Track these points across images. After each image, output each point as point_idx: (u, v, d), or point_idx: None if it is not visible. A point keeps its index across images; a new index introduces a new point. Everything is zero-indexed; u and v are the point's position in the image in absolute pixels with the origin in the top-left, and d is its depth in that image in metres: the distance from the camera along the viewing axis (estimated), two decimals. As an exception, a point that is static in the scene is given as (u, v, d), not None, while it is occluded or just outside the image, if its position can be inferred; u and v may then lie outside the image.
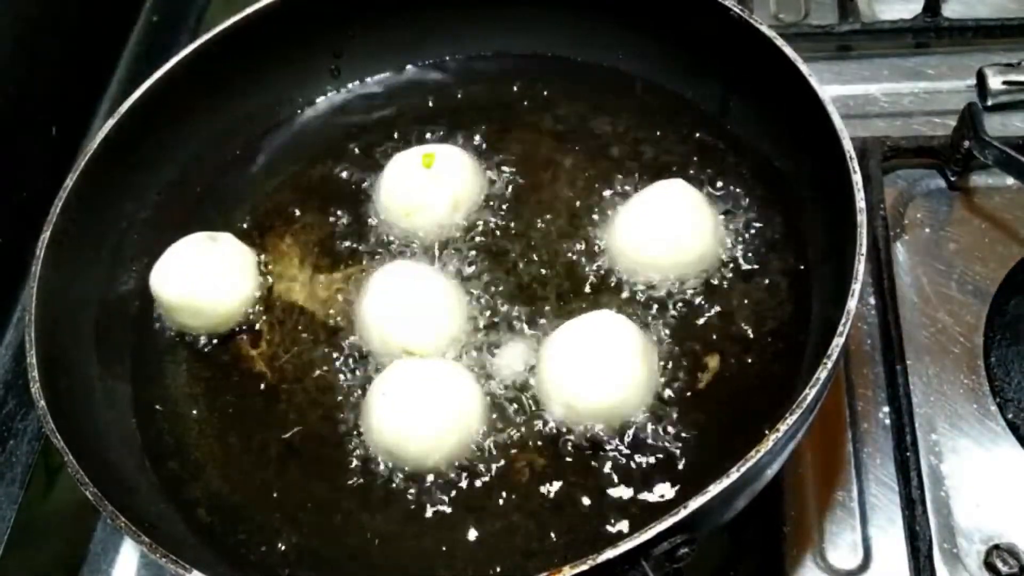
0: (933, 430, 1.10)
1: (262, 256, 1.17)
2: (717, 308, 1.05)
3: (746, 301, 1.05)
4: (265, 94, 1.29)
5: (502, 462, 0.98)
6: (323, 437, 1.03)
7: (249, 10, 1.23)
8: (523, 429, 0.99)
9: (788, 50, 1.06)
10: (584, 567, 0.78)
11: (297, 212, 1.22)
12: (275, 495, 1.01)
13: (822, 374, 0.85)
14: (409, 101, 1.30)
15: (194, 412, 1.08)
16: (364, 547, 0.96)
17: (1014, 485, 1.06)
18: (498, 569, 0.93)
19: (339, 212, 1.20)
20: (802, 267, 1.06)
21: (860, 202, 0.94)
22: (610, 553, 0.78)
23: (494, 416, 1.00)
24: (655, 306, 1.05)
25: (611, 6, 1.23)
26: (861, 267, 0.90)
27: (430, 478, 0.97)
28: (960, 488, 1.06)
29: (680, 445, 0.97)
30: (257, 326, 1.12)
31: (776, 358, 1.01)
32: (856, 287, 0.89)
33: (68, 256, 1.09)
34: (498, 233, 1.15)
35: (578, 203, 1.16)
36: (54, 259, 1.07)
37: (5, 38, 1.40)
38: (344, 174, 1.24)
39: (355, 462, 1.00)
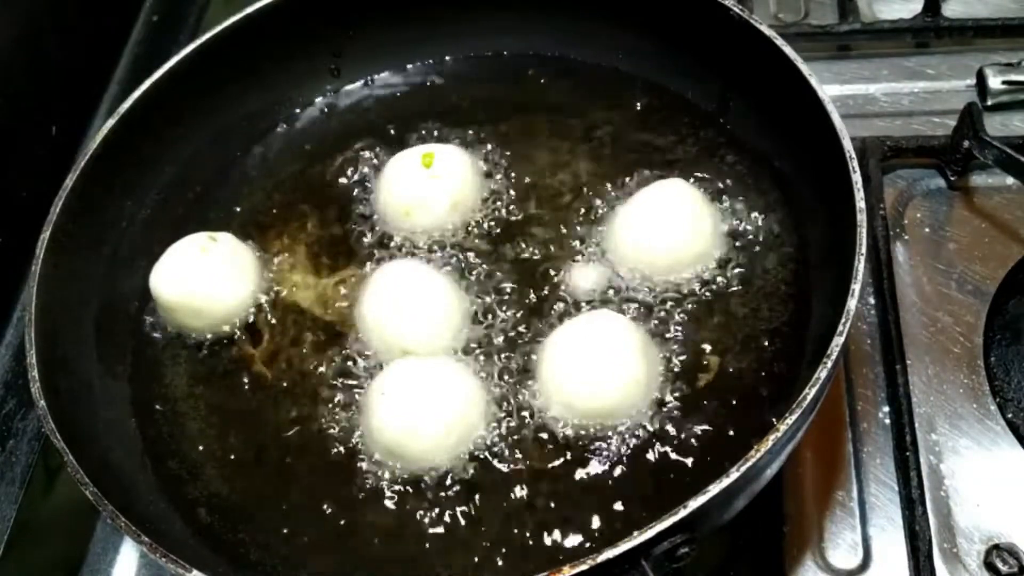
0: (933, 430, 1.10)
1: (261, 256, 1.17)
2: (717, 308, 1.05)
3: (746, 301, 1.05)
4: (265, 94, 1.29)
5: (502, 462, 0.98)
6: (323, 437, 1.03)
7: (249, 10, 1.23)
8: (523, 428, 0.99)
9: (788, 50, 1.06)
10: (584, 567, 0.78)
11: (297, 212, 1.22)
12: (275, 495, 1.01)
13: (822, 374, 0.85)
14: (409, 101, 1.31)
15: (194, 412, 1.08)
16: (364, 546, 0.96)
17: (1014, 485, 1.06)
18: (498, 569, 0.93)
19: (339, 212, 1.20)
20: (802, 267, 1.06)
21: (860, 202, 0.94)
22: (610, 553, 0.78)
23: (494, 415, 1.00)
24: (655, 305, 1.05)
25: (611, 6, 1.23)
26: (861, 267, 0.90)
27: (430, 477, 0.97)
28: (960, 488, 1.06)
29: (680, 445, 0.97)
30: (257, 326, 1.12)
31: (776, 358, 1.01)
32: (856, 287, 0.89)
33: (68, 256, 1.09)
34: (497, 233, 1.15)
35: (578, 203, 1.16)
36: (54, 259, 1.07)
37: (5, 38, 1.40)
38: (344, 174, 1.24)
39: (355, 462, 1.00)
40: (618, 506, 0.94)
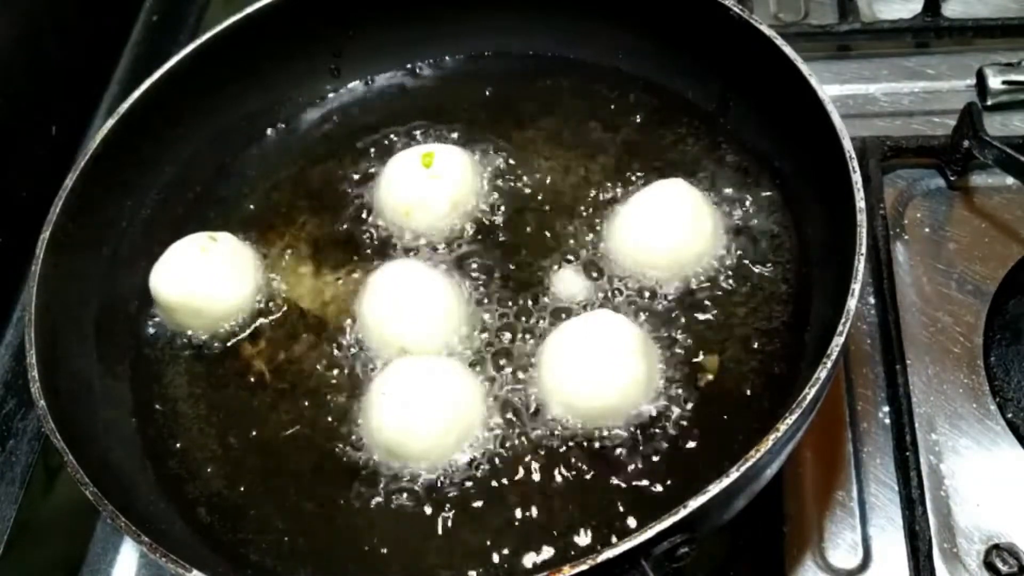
0: (933, 430, 1.10)
1: (262, 256, 1.17)
2: (717, 307, 1.05)
3: (746, 301, 1.05)
4: (265, 94, 1.29)
5: (501, 461, 0.98)
6: (323, 436, 1.03)
7: (249, 10, 1.23)
8: (523, 428, 0.99)
9: (788, 50, 1.06)
10: (584, 567, 0.78)
11: (297, 212, 1.22)
12: (275, 494, 1.01)
13: (822, 374, 0.85)
14: (409, 101, 1.31)
15: (194, 412, 1.08)
16: (364, 546, 0.96)
17: (1014, 485, 1.06)
18: (499, 568, 0.93)
19: (339, 212, 1.20)
20: (802, 267, 1.06)
21: (860, 202, 0.94)
22: (610, 553, 0.78)
23: (494, 415, 1.00)
24: (655, 305, 1.05)
25: (612, 6, 1.23)
26: (861, 267, 0.90)
27: (430, 477, 0.97)
28: (960, 488, 1.06)
29: (679, 445, 0.97)
30: (257, 326, 1.12)
31: (776, 358, 1.01)
32: (856, 287, 0.89)
33: (68, 256, 1.09)
34: (497, 232, 1.15)
35: (578, 202, 1.16)
36: (54, 259, 1.07)
37: (5, 38, 1.40)
38: (344, 174, 1.24)
39: (355, 461, 1.00)
40: (618, 506, 0.94)
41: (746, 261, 1.08)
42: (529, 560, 0.93)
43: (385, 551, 0.95)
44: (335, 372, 1.07)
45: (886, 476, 1.08)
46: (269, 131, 1.31)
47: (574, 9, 1.26)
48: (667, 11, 1.19)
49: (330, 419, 1.04)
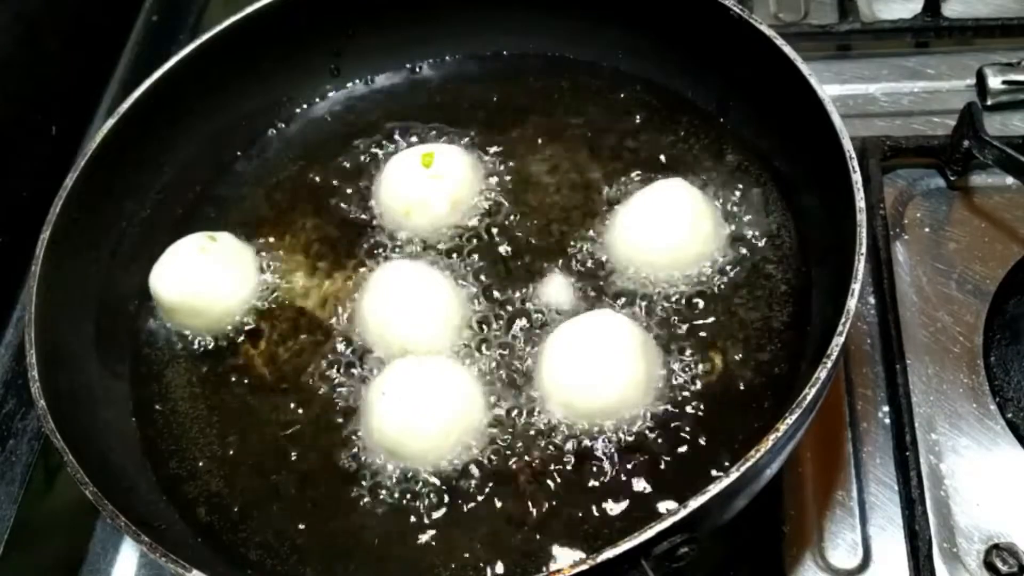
0: (933, 430, 1.10)
1: (261, 256, 1.17)
2: (717, 307, 1.05)
3: (746, 301, 1.05)
4: (265, 94, 1.29)
5: (502, 462, 0.98)
6: (323, 436, 1.03)
7: (249, 10, 1.23)
8: (523, 428, 0.99)
9: (788, 50, 1.06)
10: (584, 567, 0.78)
11: (297, 212, 1.22)
12: (275, 494, 1.01)
13: (822, 374, 0.85)
14: (409, 101, 1.31)
15: (194, 412, 1.08)
16: (364, 546, 0.96)
17: (1014, 485, 1.06)
18: (498, 569, 0.93)
19: (339, 212, 1.20)
20: (802, 267, 1.06)
21: (860, 202, 0.94)
22: (610, 553, 0.78)
23: (493, 415, 1.00)
24: (655, 305, 1.05)
25: (611, 6, 1.23)
26: (861, 266, 0.90)
27: (430, 477, 0.97)
28: (960, 488, 1.06)
29: (679, 444, 0.97)
30: (256, 326, 1.12)
31: (776, 358, 1.01)
32: (856, 287, 0.89)
33: (68, 256, 1.09)
34: (497, 232, 1.15)
35: (578, 202, 1.16)
36: (54, 259, 1.07)
37: (5, 38, 1.40)
38: (344, 174, 1.24)
39: (355, 461, 1.00)
40: (618, 506, 0.94)
41: (746, 261, 1.08)
42: (529, 560, 0.93)
43: (385, 551, 0.95)
44: (335, 372, 1.07)
45: (886, 476, 1.08)
46: (269, 131, 1.31)
47: (574, 9, 1.26)
48: (667, 11, 1.19)
49: (330, 419, 1.04)
